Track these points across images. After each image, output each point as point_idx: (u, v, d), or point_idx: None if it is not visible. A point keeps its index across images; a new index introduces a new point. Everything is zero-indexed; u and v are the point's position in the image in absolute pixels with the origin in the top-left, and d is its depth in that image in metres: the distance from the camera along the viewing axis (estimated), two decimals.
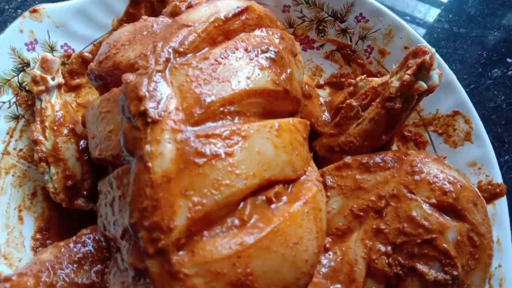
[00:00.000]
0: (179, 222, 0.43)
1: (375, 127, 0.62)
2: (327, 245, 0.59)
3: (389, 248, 0.57)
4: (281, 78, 0.54)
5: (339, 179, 0.62)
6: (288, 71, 0.56)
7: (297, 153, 0.52)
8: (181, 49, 0.51)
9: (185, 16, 0.56)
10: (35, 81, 0.68)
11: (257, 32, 0.57)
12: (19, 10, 0.92)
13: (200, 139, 0.46)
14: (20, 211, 0.71)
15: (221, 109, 0.48)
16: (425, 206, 0.57)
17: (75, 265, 0.61)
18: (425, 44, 0.67)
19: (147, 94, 0.47)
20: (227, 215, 0.45)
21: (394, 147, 0.71)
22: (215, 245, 0.43)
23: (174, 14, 0.63)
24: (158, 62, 0.49)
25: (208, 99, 0.48)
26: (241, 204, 0.46)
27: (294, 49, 0.61)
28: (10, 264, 0.68)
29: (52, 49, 0.74)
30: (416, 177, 0.58)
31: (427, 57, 0.57)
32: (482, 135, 0.67)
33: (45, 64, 0.69)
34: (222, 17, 0.54)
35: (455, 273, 0.55)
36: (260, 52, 0.53)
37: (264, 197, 0.48)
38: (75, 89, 0.78)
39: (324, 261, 0.58)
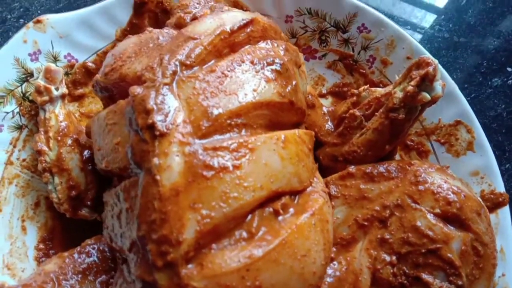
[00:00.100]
0: (188, 235, 0.43)
1: (378, 137, 0.62)
2: (332, 255, 0.59)
3: (394, 257, 0.57)
4: (287, 90, 0.54)
5: (343, 188, 0.63)
6: (294, 83, 0.56)
7: (303, 165, 0.52)
8: (188, 62, 0.51)
9: (191, 28, 0.56)
10: (39, 91, 0.68)
11: (262, 44, 0.57)
12: (21, 20, 0.92)
13: (208, 152, 0.46)
14: (23, 221, 0.71)
15: (228, 121, 0.49)
16: (430, 216, 0.57)
17: (79, 276, 0.61)
18: (428, 55, 0.68)
19: (154, 107, 0.47)
20: (235, 228, 0.46)
21: (397, 157, 0.72)
22: (224, 258, 0.43)
23: (179, 25, 0.63)
24: (165, 75, 0.49)
25: (216, 112, 0.48)
26: (249, 217, 0.46)
27: (298, 60, 0.62)
28: (13, 274, 0.68)
29: (55, 59, 0.74)
30: (420, 187, 0.59)
31: (430, 68, 0.58)
32: (484, 145, 0.67)
33: (49, 75, 0.69)
34: (228, 30, 0.55)
35: (460, 282, 0.56)
36: (266, 64, 0.54)
37: (271, 209, 0.48)
38: (78, 99, 0.78)
39: (329, 271, 0.58)
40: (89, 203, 0.68)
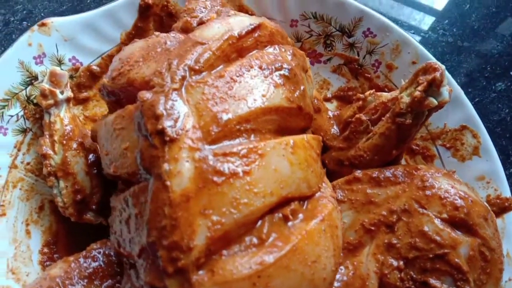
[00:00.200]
0: (199, 242, 0.43)
1: (385, 142, 0.63)
2: None
3: (401, 262, 0.57)
4: (295, 95, 0.54)
5: (349, 193, 0.63)
6: (302, 87, 0.56)
7: (312, 170, 0.52)
8: (197, 67, 0.51)
9: (198, 33, 0.56)
10: (44, 95, 0.68)
11: (270, 49, 0.57)
12: (24, 22, 0.92)
13: (218, 158, 0.46)
14: (27, 225, 0.71)
15: (238, 127, 0.49)
16: (437, 221, 0.57)
17: (85, 281, 0.61)
18: (434, 60, 0.68)
19: (164, 112, 0.47)
20: (245, 234, 0.45)
21: (402, 161, 0.72)
22: (235, 264, 0.43)
23: (185, 29, 0.63)
24: (174, 80, 0.49)
25: (225, 117, 0.48)
26: (259, 222, 0.46)
27: (305, 65, 0.62)
28: (18, 279, 0.68)
29: (60, 62, 0.74)
30: (427, 192, 0.59)
31: (437, 74, 0.58)
32: (490, 150, 0.68)
33: (54, 78, 0.69)
34: (236, 35, 0.55)
35: (467, 287, 0.56)
36: (274, 69, 0.54)
37: (280, 215, 0.48)
38: (83, 102, 0.78)
39: (337, 276, 0.58)
40: (94, 207, 0.68)
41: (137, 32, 0.77)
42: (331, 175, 0.66)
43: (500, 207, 0.67)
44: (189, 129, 0.46)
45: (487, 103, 0.84)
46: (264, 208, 0.46)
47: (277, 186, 0.47)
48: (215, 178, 0.45)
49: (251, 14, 0.76)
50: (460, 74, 0.87)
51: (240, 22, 0.58)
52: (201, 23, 0.63)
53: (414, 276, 0.57)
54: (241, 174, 0.45)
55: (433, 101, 0.59)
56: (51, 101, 0.68)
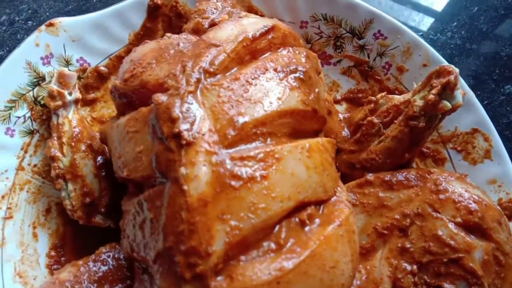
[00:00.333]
0: (217, 247, 0.42)
1: (398, 145, 0.62)
2: None
3: (414, 267, 0.57)
4: (310, 98, 0.54)
5: (361, 196, 0.62)
6: (316, 90, 0.56)
7: (327, 174, 0.52)
8: (211, 70, 0.50)
9: (212, 34, 0.56)
10: (52, 96, 0.67)
11: (283, 51, 0.56)
12: (29, 22, 0.91)
13: (235, 162, 0.45)
14: (34, 228, 0.70)
15: (254, 130, 0.48)
16: (451, 225, 0.57)
17: (95, 285, 0.60)
18: (445, 63, 0.68)
19: (180, 115, 0.46)
20: (263, 239, 0.45)
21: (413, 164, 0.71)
22: (254, 270, 0.42)
23: (197, 31, 0.63)
24: (189, 83, 0.49)
25: (241, 120, 0.48)
26: (276, 228, 0.46)
27: (318, 67, 0.61)
28: (25, 282, 0.67)
29: (67, 63, 0.73)
30: (441, 196, 0.58)
31: (451, 77, 0.58)
32: (502, 153, 0.67)
33: (62, 79, 0.68)
34: (250, 37, 0.54)
35: None
36: (289, 72, 0.53)
37: (297, 219, 0.47)
38: (90, 103, 0.77)
39: None
40: (102, 210, 0.67)
41: (146, 33, 0.76)
42: (342, 178, 0.66)
43: None
44: (205, 132, 0.46)
45: (495, 105, 0.84)
46: (281, 213, 0.45)
47: (294, 191, 0.47)
48: (232, 183, 0.44)
49: (261, 15, 0.76)
50: (469, 76, 0.87)
51: (253, 24, 0.57)
52: (212, 24, 0.62)
53: (428, 280, 0.57)
54: (258, 178, 0.45)
55: (447, 105, 0.58)
56: (59, 103, 0.67)
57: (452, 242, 0.56)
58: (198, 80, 0.49)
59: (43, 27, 0.70)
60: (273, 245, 0.45)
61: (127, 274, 0.61)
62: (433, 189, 0.59)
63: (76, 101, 0.69)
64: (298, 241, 0.46)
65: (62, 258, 0.71)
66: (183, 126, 0.45)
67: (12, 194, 0.69)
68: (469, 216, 0.57)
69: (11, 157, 0.69)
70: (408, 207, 0.59)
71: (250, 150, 0.47)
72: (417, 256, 0.57)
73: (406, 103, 0.63)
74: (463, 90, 0.59)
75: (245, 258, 0.44)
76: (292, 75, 0.53)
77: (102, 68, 0.75)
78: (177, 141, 0.45)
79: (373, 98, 0.68)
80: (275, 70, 0.53)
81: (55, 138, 0.66)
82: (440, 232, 0.57)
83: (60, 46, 0.72)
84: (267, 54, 0.56)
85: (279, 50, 0.57)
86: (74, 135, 0.67)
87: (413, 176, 0.62)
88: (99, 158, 0.67)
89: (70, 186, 0.65)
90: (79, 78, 0.74)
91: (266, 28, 0.56)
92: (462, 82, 0.68)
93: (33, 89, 0.71)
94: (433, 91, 0.59)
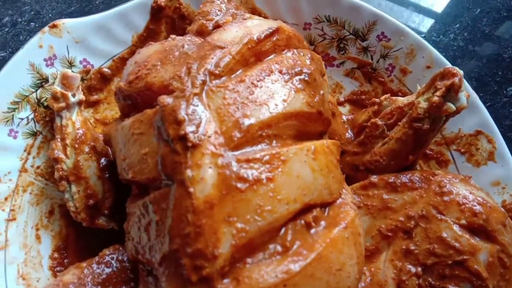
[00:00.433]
0: (224, 250, 0.42)
1: (402, 147, 0.62)
2: None
3: (419, 269, 0.57)
4: (315, 100, 0.54)
5: (365, 198, 0.62)
6: (321, 92, 0.56)
7: (333, 176, 0.52)
8: (217, 71, 0.50)
9: (217, 36, 0.56)
10: (55, 97, 0.67)
11: (288, 53, 0.56)
12: (32, 23, 0.90)
13: (241, 164, 0.45)
14: (37, 229, 0.70)
15: (260, 132, 0.48)
16: (455, 227, 0.57)
17: (99, 287, 0.60)
18: (449, 65, 0.68)
19: (186, 117, 0.46)
20: (269, 241, 0.45)
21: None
22: (261, 273, 0.42)
23: (201, 32, 0.63)
24: (194, 85, 0.49)
25: (247, 123, 0.47)
26: (282, 230, 0.46)
27: (323, 69, 0.61)
28: (29, 284, 0.67)
29: (71, 64, 0.73)
30: (445, 198, 0.58)
31: (456, 79, 0.58)
32: (505, 155, 0.68)
33: (65, 81, 0.68)
34: (255, 39, 0.54)
35: None
36: (294, 74, 0.53)
37: (303, 222, 0.47)
38: (93, 105, 0.77)
39: None
40: (106, 211, 0.67)
41: (149, 34, 0.76)
42: (346, 180, 0.66)
43: None
44: (211, 134, 0.46)
45: (498, 107, 0.84)
46: (288, 215, 0.45)
47: (300, 193, 0.47)
48: (239, 185, 0.44)
49: (264, 17, 0.76)
50: (471, 78, 0.87)
51: (258, 26, 0.57)
52: (217, 26, 0.62)
53: (433, 282, 0.57)
54: (264, 180, 0.45)
55: (451, 107, 0.58)
56: (62, 104, 0.67)
57: (456, 244, 0.56)
58: (204, 82, 0.49)
59: (46, 28, 0.70)
60: (279, 248, 0.45)
61: (131, 276, 0.61)
62: (437, 191, 0.59)
63: (79, 103, 0.69)
64: (304, 243, 0.45)
65: (65, 260, 0.71)
66: (189, 128, 0.45)
67: (15, 196, 0.69)
68: (473, 218, 0.57)
69: (14, 159, 0.69)
70: (413, 209, 0.59)
71: (255, 152, 0.47)
72: (422, 258, 0.57)
73: (410, 105, 0.63)
74: (467, 92, 0.59)
75: (251, 261, 0.44)
76: (297, 77, 0.53)
77: (106, 69, 0.75)
78: (183, 143, 0.45)
79: (376, 100, 0.68)
80: (280, 72, 0.53)
81: (59, 139, 0.66)
82: (444, 234, 0.57)
83: (63, 47, 0.72)
84: (272, 56, 0.56)
85: (284, 52, 0.57)
86: (78, 137, 0.67)
87: (417, 178, 0.62)
88: (102, 160, 0.67)
89: (74, 188, 0.65)
90: (82, 79, 0.74)
91: (271, 30, 0.56)
92: (465, 83, 0.68)
93: (36, 90, 0.71)
94: (438, 93, 0.59)
